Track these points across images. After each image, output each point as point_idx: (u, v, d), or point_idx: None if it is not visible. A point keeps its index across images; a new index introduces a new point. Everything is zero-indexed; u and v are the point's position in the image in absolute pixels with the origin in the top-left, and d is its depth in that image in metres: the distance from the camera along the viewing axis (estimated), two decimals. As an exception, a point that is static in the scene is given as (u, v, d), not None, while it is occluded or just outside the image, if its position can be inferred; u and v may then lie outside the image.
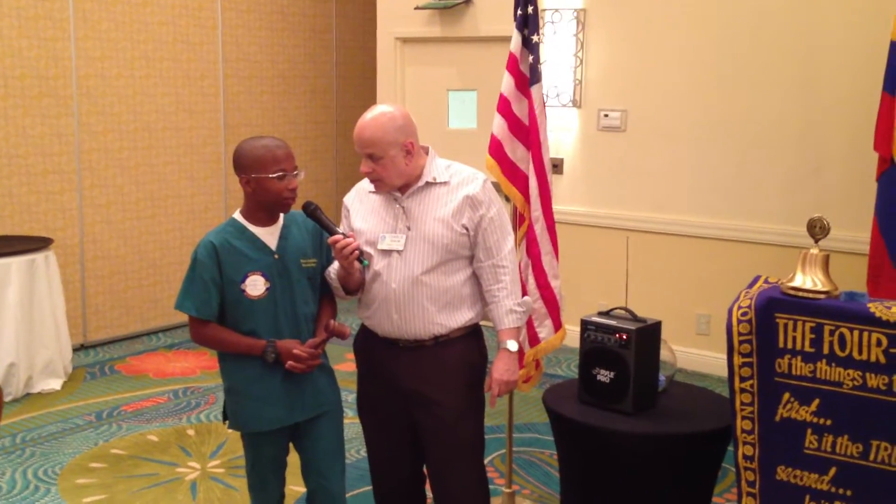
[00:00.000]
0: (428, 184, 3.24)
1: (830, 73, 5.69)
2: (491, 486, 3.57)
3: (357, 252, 3.12)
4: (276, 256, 3.19)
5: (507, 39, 6.73)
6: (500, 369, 3.25)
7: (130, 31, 6.77)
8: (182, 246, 7.27)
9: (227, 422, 3.34)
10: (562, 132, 6.69)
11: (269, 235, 3.20)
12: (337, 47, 8.41)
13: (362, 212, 3.33)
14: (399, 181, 3.22)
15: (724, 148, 6.12)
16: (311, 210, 3.21)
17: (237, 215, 3.22)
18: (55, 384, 5.84)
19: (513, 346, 3.23)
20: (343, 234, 3.15)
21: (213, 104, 7.38)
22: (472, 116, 7.23)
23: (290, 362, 3.14)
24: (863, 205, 5.05)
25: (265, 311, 3.16)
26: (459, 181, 3.25)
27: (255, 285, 3.14)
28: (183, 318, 7.19)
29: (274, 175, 3.09)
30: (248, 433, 3.32)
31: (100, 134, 6.67)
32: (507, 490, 4.31)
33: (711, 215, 6.21)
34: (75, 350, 6.28)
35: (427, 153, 3.30)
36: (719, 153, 6.14)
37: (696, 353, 6.28)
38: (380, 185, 3.24)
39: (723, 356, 6.02)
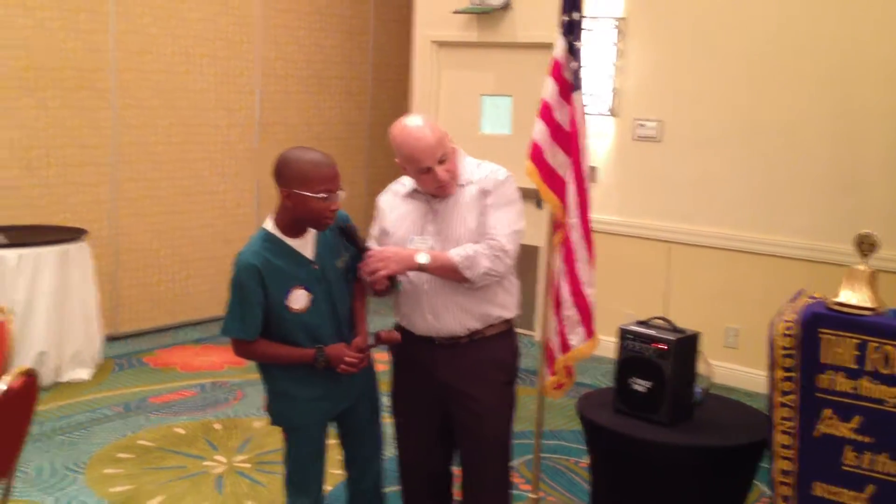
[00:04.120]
0: (460, 185, 3.30)
1: (869, 85, 5.65)
2: (515, 492, 3.57)
3: (385, 281, 3.14)
4: (316, 267, 3.16)
5: (545, 46, 6.80)
6: (396, 249, 3.21)
7: (170, 26, 6.80)
8: (213, 242, 7.30)
9: (271, 420, 3.34)
10: (597, 140, 6.67)
11: (305, 246, 3.16)
12: (373, 49, 8.42)
13: (394, 214, 3.38)
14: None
15: (758, 161, 6.08)
16: (346, 229, 3.19)
17: (271, 226, 3.15)
18: (84, 374, 5.87)
19: (423, 257, 3.15)
20: (368, 248, 3.20)
21: (249, 102, 7.40)
22: (506, 122, 7.22)
23: (342, 366, 3.14)
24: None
25: (308, 322, 3.15)
26: (483, 177, 3.30)
27: (299, 299, 3.11)
28: (211, 312, 7.26)
29: (318, 195, 3.01)
30: (292, 428, 3.32)
31: (136, 128, 6.71)
32: (533, 496, 4.28)
33: (743, 228, 6.17)
34: (105, 341, 6.30)
35: (456, 154, 3.34)
36: (753, 166, 6.10)
37: (724, 366, 6.22)
38: (452, 185, 3.28)
39: (750, 370, 6.07)
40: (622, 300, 6.51)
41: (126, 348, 6.59)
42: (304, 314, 3.12)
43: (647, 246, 6.50)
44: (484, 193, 3.25)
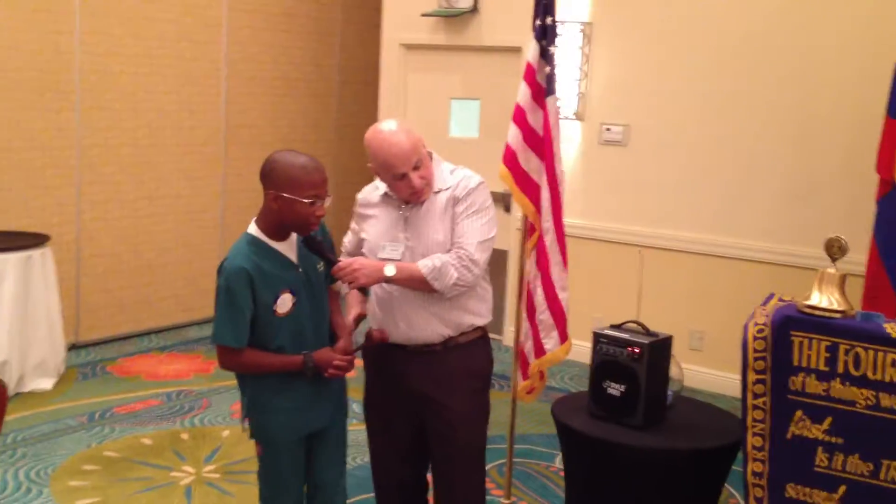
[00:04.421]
0: (434, 192, 3.27)
1: (829, 93, 5.73)
2: (488, 497, 3.56)
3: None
4: (300, 270, 3.13)
5: (512, 49, 6.84)
6: (364, 261, 3.17)
7: (135, 27, 6.71)
8: (178, 247, 7.21)
9: (250, 433, 3.25)
10: (563, 145, 6.65)
11: (289, 250, 3.12)
12: (340, 51, 8.38)
13: (370, 220, 3.36)
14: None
15: (721, 166, 6.14)
16: (310, 241, 3.13)
17: (255, 230, 3.10)
18: (47, 384, 5.76)
19: (390, 270, 3.12)
20: (338, 260, 3.15)
21: (215, 104, 7.33)
22: (474, 125, 7.22)
23: (331, 370, 3.10)
24: (859, 226, 5.06)
25: (292, 325, 3.09)
26: (455, 184, 3.27)
27: (284, 303, 3.05)
28: (175, 319, 7.18)
29: (306, 199, 2.97)
30: (272, 442, 3.21)
31: (101, 130, 6.61)
32: (506, 501, 4.28)
33: (708, 232, 6.22)
34: (67, 349, 6.20)
35: (431, 159, 3.32)
36: (716, 171, 6.17)
37: (690, 368, 6.24)
38: (427, 191, 3.26)
39: (716, 372, 6.12)
40: (588, 304, 6.52)
41: (89, 357, 6.49)
42: (288, 318, 3.07)
43: (613, 249, 6.53)
44: (454, 201, 3.23)
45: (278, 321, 3.05)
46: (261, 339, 3.06)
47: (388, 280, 3.13)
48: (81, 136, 6.50)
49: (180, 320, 7.29)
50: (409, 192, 3.21)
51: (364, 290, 3.18)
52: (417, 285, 3.17)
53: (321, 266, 3.20)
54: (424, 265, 3.14)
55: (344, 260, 3.16)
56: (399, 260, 3.21)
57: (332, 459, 3.34)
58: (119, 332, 6.91)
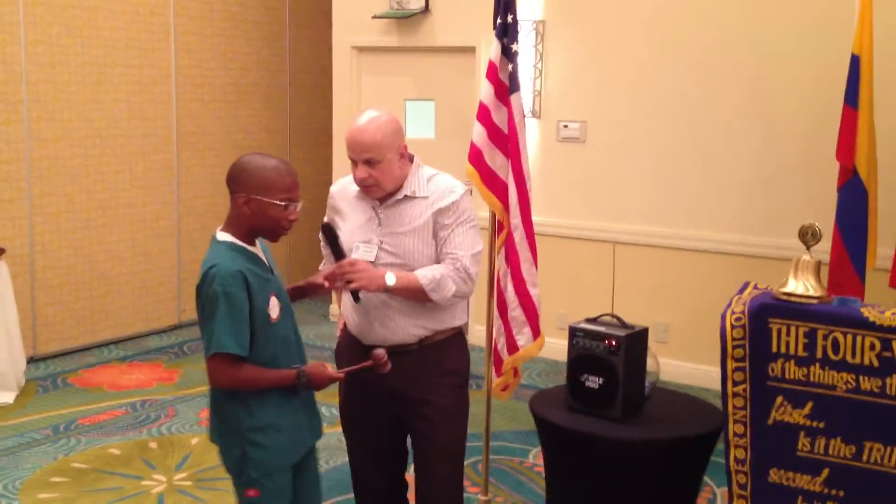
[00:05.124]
0: (407, 197, 3.24)
1: (786, 84, 5.82)
2: (465, 494, 3.56)
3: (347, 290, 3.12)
4: (274, 273, 3.03)
5: (465, 50, 6.86)
6: (368, 266, 3.13)
7: (81, 36, 6.61)
8: (133, 256, 7.11)
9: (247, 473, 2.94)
10: (521, 142, 6.71)
11: (261, 254, 3.01)
12: (290, 56, 8.33)
13: (344, 215, 3.34)
14: (392, 186, 3.23)
15: (682, 159, 6.21)
16: (328, 228, 3.12)
17: (227, 236, 2.93)
18: (7, 397, 5.66)
19: (390, 279, 3.09)
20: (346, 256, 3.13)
21: (165, 111, 7.24)
22: (430, 126, 7.22)
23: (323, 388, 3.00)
24: (819, 214, 5.17)
25: (282, 331, 2.97)
26: (437, 195, 3.24)
27: (275, 307, 2.93)
28: (133, 329, 7.07)
29: (279, 202, 2.87)
30: (272, 473, 2.95)
31: (50, 141, 6.50)
32: (484, 497, 4.30)
33: (669, 225, 6.29)
34: (26, 362, 6.08)
35: (412, 161, 3.30)
36: (677, 164, 6.23)
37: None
38: (374, 190, 3.22)
39: (682, 363, 6.20)
40: (552, 300, 6.56)
41: (48, 370, 6.37)
42: (279, 324, 2.95)
43: (575, 246, 6.58)
44: (440, 213, 3.20)
45: (272, 327, 2.93)
46: (255, 347, 2.88)
47: (388, 289, 3.10)
48: (31, 148, 6.38)
49: (139, 330, 7.18)
50: (357, 180, 3.19)
51: (356, 296, 3.12)
52: (415, 296, 3.15)
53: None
54: (423, 276, 3.13)
55: (351, 258, 3.13)
56: (372, 262, 3.18)
57: (314, 482, 3.20)
58: (77, 344, 6.80)
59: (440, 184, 3.27)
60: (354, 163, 3.18)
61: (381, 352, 3.04)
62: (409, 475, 3.55)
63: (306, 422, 3.07)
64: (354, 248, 3.24)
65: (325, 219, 3.37)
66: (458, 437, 3.42)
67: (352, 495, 3.61)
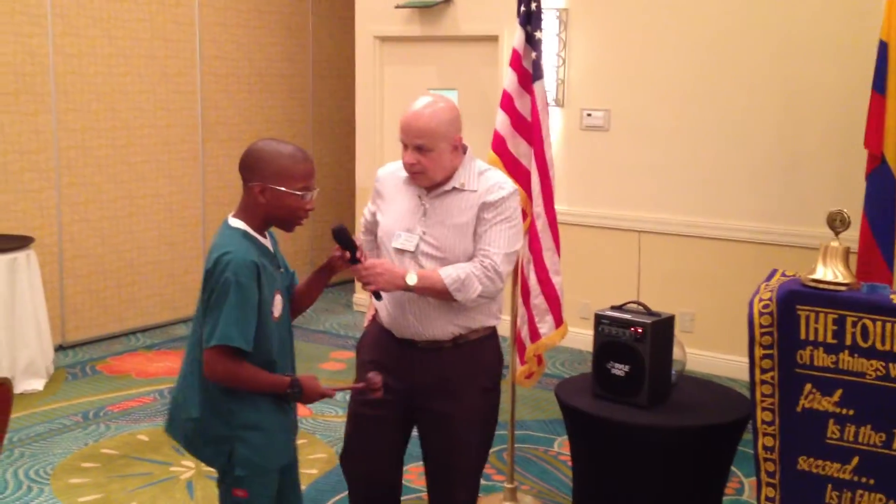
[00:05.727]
0: (455, 189, 3.16)
1: (813, 71, 5.79)
2: (489, 483, 3.53)
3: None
4: (281, 270, 2.92)
5: (488, 38, 6.86)
6: (388, 266, 3.06)
7: (107, 27, 6.67)
8: (159, 245, 7.17)
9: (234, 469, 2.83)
10: (544, 131, 6.71)
11: (271, 248, 2.90)
12: (314, 46, 8.36)
13: (388, 201, 3.27)
14: (441, 177, 3.15)
15: (707, 147, 6.19)
16: (341, 231, 2.95)
17: (240, 223, 2.81)
18: (37, 384, 5.73)
19: (412, 279, 3.02)
20: (361, 259, 3.01)
21: (190, 102, 7.29)
22: (453, 116, 7.22)
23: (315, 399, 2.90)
24: (846, 202, 5.15)
25: (280, 332, 2.86)
26: (487, 189, 3.15)
27: (278, 305, 2.82)
28: (160, 318, 7.14)
29: (297, 191, 2.77)
30: (259, 474, 2.87)
31: (77, 131, 6.56)
32: (510, 485, 4.31)
33: (694, 214, 6.27)
34: (54, 350, 6.16)
35: (465, 153, 3.22)
36: (702, 152, 6.21)
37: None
38: (421, 178, 3.15)
39: (707, 353, 6.19)
40: (575, 289, 6.56)
41: (76, 357, 6.45)
42: (278, 323, 2.85)
43: (598, 234, 6.58)
44: (485, 207, 3.12)
45: (273, 326, 2.80)
46: (254, 343, 2.74)
47: (408, 289, 3.03)
48: (59, 139, 6.44)
49: (165, 318, 7.25)
50: (405, 164, 3.15)
51: (377, 295, 3.07)
52: (438, 295, 3.06)
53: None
54: (448, 275, 3.03)
55: (369, 261, 3.04)
56: (412, 252, 3.13)
57: (296, 492, 3.12)
58: (104, 332, 6.88)
59: (491, 179, 3.19)
60: (405, 146, 3.12)
61: (377, 378, 2.98)
62: (409, 476, 3.47)
63: (294, 424, 3.00)
64: (395, 236, 3.17)
65: (367, 208, 3.32)
66: (483, 440, 3.30)
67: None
